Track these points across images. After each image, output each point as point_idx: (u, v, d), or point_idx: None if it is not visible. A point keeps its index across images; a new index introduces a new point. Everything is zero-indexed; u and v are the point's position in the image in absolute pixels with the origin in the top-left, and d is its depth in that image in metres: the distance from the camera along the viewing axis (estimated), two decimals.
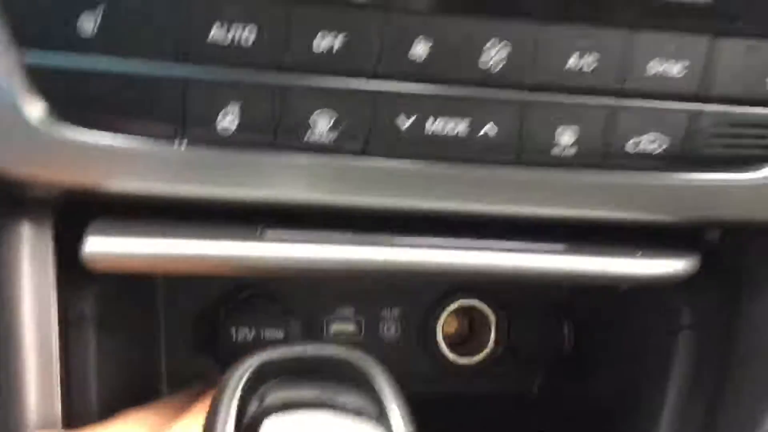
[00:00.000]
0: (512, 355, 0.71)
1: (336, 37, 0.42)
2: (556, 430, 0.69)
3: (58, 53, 0.40)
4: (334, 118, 0.43)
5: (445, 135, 0.45)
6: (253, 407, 0.40)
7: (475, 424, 0.70)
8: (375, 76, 0.43)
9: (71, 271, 0.46)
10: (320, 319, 0.69)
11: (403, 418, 0.40)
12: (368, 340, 0.69)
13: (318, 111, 0.43)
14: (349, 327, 0.70)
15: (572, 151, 0.46)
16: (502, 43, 0.43)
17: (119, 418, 0.47)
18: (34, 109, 0.41)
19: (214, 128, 0.43)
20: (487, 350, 0.71)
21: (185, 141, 0.43)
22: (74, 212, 0.46)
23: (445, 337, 0.71)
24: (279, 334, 0.66)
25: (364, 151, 0.45)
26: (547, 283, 0.63)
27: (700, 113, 0.46)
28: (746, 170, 0.49)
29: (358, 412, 0.40)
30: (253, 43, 0.41)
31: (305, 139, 0.44)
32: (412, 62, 0.43)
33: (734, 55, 0.45)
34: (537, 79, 0.44)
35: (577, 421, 0.69)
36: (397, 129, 0.44)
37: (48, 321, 0.46)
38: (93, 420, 0.48)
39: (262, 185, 0.45)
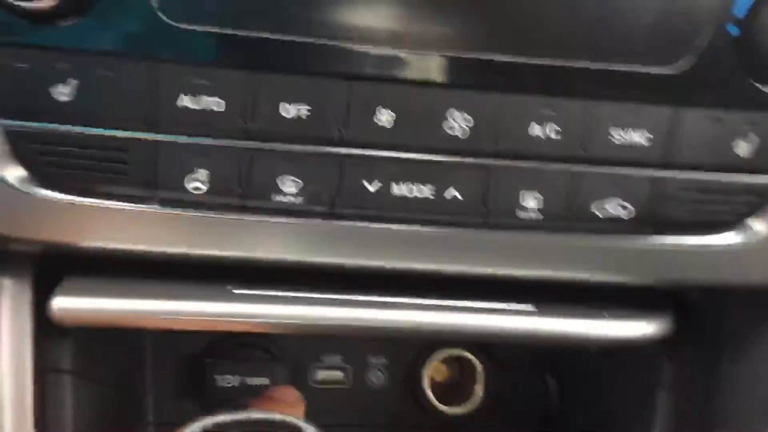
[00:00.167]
0: (499, 407, 0.71)
1: (301, 105, 0.43)
2: None
3: (35, 122, 0.43)
4: (301, 182, 0.45)
5: (413, 197, 0.46)
6: None
7: None
8: (341, 142, 0.45)
9: (49, 324, 0.48)
10: (306, 365, 0.70)
11: None
12: (355, 388, 0.70)
13: (284, 175, 0.45)
14: (336, 374, 0.71)
15: (538, 214, 0.47)
16: (463, 113, 0.44)
17: None
18: (14, 172, 0.43)
19: (185, 191, 0.44)
20: (474, 400, 0.71)
21: (157, 203, 0.45)
22: (54, 267, 0.48)
23: (435, 386, 0.71)
24: (265, 380, 0.67)
25: (331, 214, 0.46)
26: (516, 343, 0.63)
27: (663, 179, 0.47)
28: (715, 234, 0.49)
29: None
30: (221, 112, 0.43)
31: (273, 201, 0.45)
32: (378, 129, 0.44)
33: (698, 124, 0.46)
34: (500, 146, 0.45)
35: None
36: (364, 192, 0.46)
37: (24, 373, 0.47)
38: None
39: (232, 246, 0.46)
